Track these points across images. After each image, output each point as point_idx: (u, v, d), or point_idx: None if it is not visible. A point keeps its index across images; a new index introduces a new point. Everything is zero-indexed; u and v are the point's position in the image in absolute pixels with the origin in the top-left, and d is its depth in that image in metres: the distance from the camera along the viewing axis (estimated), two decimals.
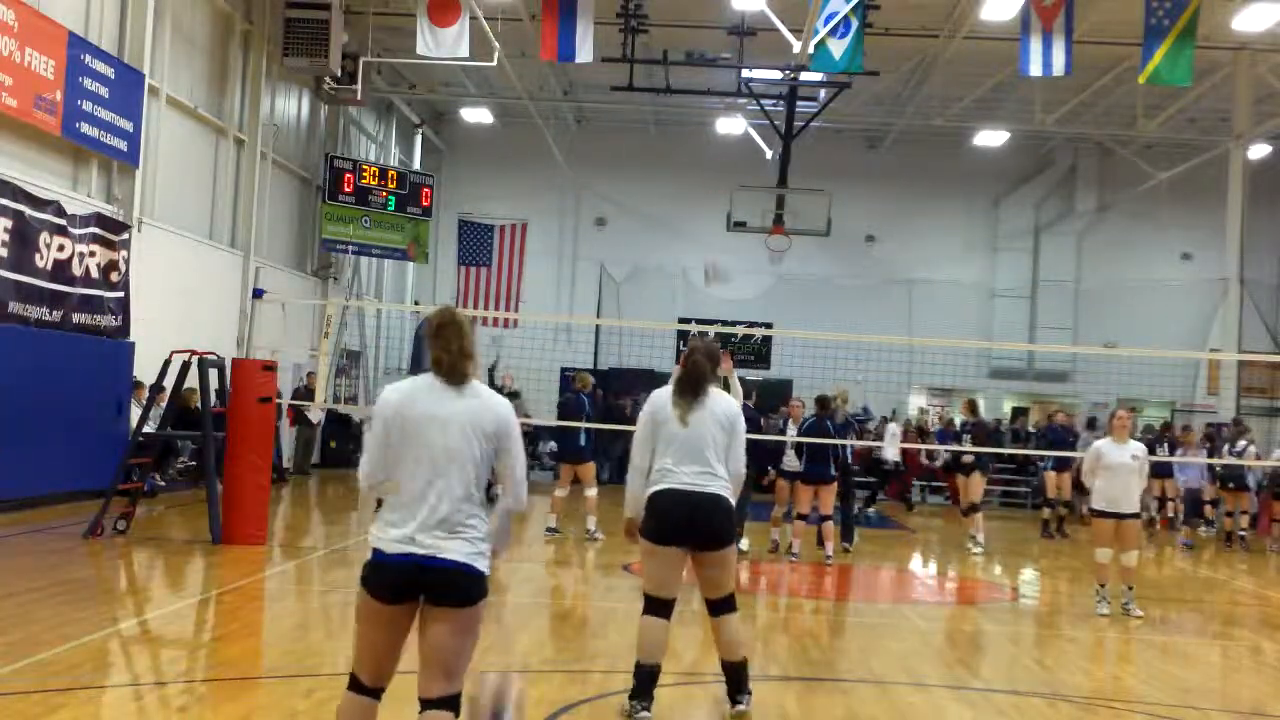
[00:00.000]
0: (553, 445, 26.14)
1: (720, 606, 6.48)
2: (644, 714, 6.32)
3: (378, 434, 4.47)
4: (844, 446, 14.48)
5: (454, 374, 4.45)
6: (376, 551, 4.37)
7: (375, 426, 4.49)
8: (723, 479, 6.41)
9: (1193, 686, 8.39)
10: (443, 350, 4.46)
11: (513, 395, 19.89)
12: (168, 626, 8.72)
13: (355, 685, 4.48)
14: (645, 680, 6.36)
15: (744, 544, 13.46)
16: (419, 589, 4.32)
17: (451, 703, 4.37)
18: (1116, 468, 10.76)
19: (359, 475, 4.59)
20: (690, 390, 6.45)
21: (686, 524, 6.35)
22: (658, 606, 6.42)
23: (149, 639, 8.33)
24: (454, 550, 4.32)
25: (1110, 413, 11.74)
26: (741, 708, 6.50)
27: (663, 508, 6.37)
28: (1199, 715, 7.34)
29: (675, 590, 6.45)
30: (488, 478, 4.48)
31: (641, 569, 6.74)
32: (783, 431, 14.69)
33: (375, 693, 4.48)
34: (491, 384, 17.79)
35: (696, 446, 6.37)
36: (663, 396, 6.55)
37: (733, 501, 6.48)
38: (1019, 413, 26.79)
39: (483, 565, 4.40)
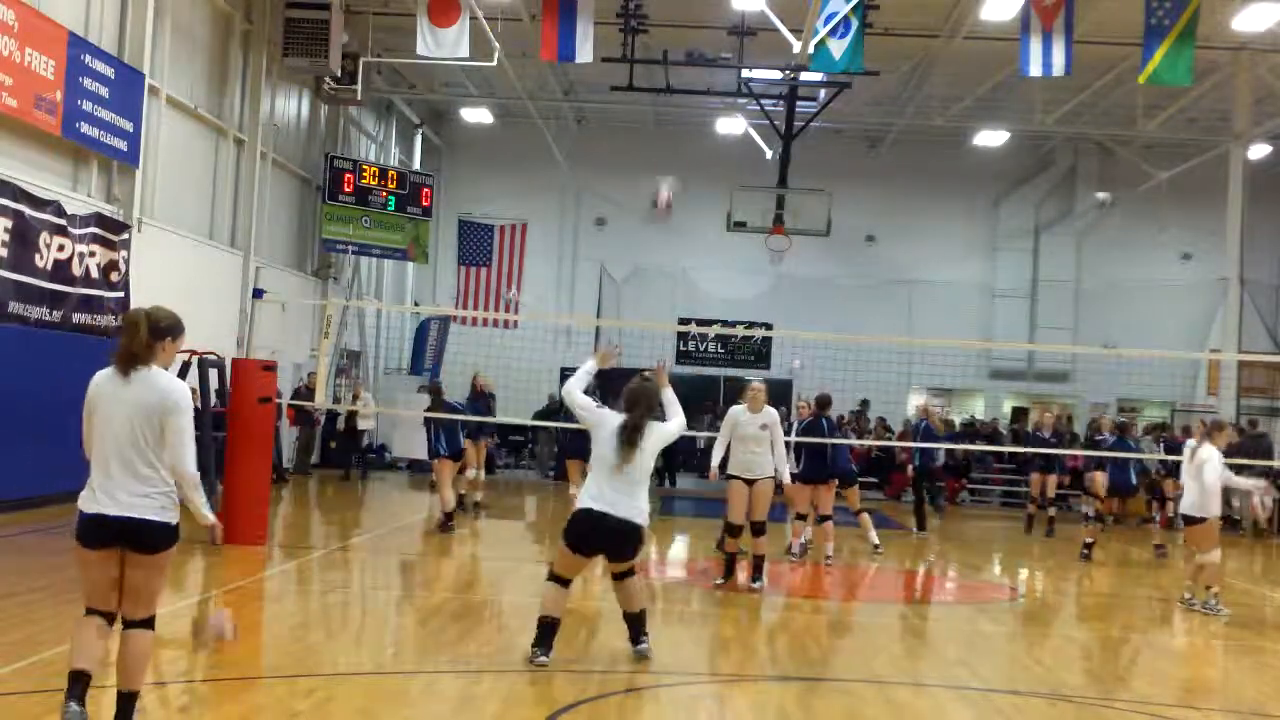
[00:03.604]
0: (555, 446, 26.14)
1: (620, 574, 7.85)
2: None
3: (85, 415, 5.47)
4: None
5: (119, 366, 5.45)
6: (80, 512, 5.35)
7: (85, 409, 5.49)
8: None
9: (1193, 687, 8.39)
10: (119, 346, 5.48)
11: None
12: (168, 626, 8.67)
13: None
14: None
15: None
16: (116, 539, 5.32)
17: (149, 623, 5.59)
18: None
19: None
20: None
21: None
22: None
23: None
24: (141, 508, 5.30)
25: (1216, 421, 11.68)
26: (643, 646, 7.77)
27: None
28: (1199, 715, 7.33)
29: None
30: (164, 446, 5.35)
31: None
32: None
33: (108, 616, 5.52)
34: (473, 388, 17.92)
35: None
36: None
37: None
38: (1019, 413, 26.77)
39: (164, 517, 5.35)
